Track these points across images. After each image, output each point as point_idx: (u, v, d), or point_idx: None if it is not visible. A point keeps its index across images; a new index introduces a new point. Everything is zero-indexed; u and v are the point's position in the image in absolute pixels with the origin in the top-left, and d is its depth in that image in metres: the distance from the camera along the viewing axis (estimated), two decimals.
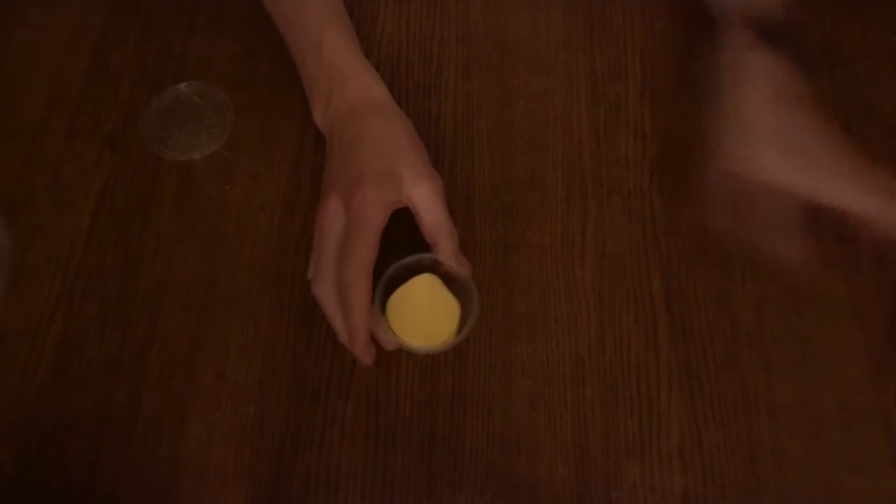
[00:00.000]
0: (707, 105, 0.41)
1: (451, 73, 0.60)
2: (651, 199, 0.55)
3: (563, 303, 0.52)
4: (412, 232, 0.48)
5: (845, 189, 0.36)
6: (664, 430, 0.48)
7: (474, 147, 0.57)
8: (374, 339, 0.46)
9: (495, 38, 0.61)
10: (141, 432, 0.48)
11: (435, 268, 0.48)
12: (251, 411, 0.49)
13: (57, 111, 0.58)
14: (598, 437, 0.48)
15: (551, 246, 0.53)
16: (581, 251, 0.53)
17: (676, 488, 0.46)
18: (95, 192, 0.55)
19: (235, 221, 0.54)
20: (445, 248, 0.47)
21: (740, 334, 0.50)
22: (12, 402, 0.49)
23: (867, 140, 0.56)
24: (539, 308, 0.51)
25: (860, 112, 0.57)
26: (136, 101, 0.59)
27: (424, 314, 0.47)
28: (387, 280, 0.47)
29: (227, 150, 0.57)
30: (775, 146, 0.36)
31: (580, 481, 0.47)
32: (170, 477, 0.47)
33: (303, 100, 0.57)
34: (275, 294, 0.52)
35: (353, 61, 0.53)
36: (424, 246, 0.48)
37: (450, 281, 0.48)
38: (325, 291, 0.46)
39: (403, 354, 0.50)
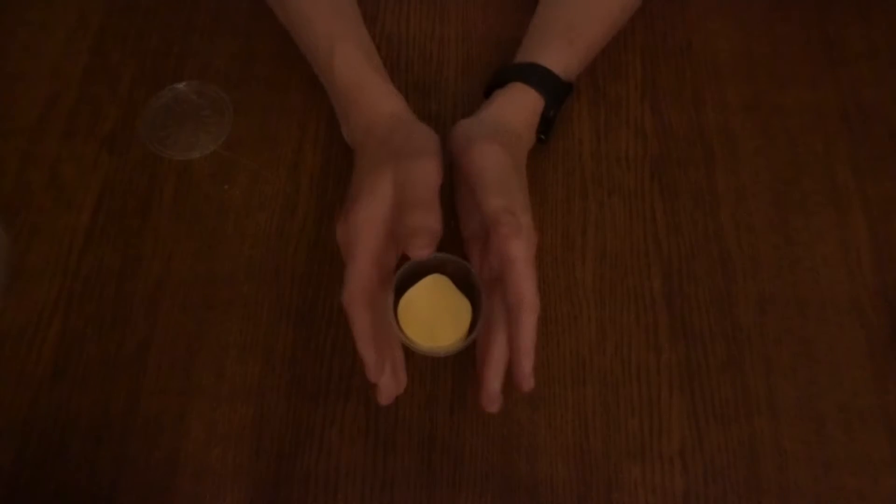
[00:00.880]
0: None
1: (451, 72, 0.60)
2: (651, 199, 0.55)
3: (563, 303, 0.51)
4: None
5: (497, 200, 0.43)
6: (665, 431, 0.48)
7: None
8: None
9: (495, 38, 0.61)
10: (140, 432, 0.48)
11: (441, 268, 0.48)
12: (250, 412, 0.48)
13: (55, 110, 0.58)
14: (598, 437, 0.48)
15: (552, 246, 0.53)
16: (581, 251, 0.53)
17: (677, 489, 0.46)
18: (94, 191, 0.55)
19: (234, 221, 0.54)
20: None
21: (741, 335, 0.50)
22: (11, 401, 0.49)
23: (867, 140, 0.56)
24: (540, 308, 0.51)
25: (860, 112, 0.57)
26: (134, 100, 0.59)
27: (432, 315, 0.47)
28: (398, 280, 0.46)
29: (225, 149, 0.57)
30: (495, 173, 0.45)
31: (581, 482, 0.46)
32: (169, 477, 0.47)
33: (302, 98, 0.57)
34: (274, 294, 0.52)
35: (364, 77, 0.51)
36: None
37: (458, 280, 0.48)
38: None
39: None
